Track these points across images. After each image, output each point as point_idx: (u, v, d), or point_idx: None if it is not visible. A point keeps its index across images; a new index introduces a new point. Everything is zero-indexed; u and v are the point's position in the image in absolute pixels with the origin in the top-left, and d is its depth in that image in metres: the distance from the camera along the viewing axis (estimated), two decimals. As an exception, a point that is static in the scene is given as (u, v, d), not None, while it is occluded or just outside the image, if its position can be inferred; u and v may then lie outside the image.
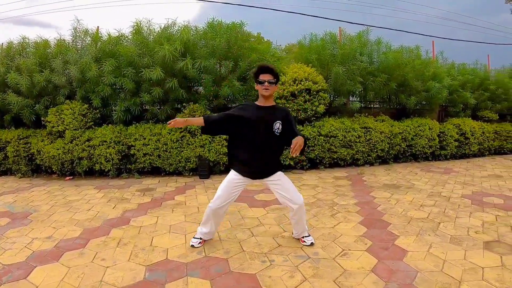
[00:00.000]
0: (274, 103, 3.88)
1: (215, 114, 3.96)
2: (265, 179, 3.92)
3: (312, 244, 4.10)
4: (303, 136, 3.58)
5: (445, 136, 11.14)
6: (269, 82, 3.63)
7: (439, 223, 4.88)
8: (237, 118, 3.75)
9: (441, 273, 3.35)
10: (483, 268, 3.46)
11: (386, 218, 5.12)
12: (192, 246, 4.13)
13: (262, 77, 3.64)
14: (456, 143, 11.40)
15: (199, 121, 3.73)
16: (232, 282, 3.28)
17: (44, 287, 3.28)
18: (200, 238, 4.19)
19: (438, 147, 11.08)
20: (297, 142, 3.39)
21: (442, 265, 3.52)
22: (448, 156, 11.36)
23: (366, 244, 4.13)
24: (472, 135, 11.73)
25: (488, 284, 3.13)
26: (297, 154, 3.42)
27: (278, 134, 3.76)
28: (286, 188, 3.89)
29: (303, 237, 4.19)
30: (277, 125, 3.74)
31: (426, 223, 4.86)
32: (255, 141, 3.74)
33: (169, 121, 3.60)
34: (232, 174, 3.92)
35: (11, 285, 3.32)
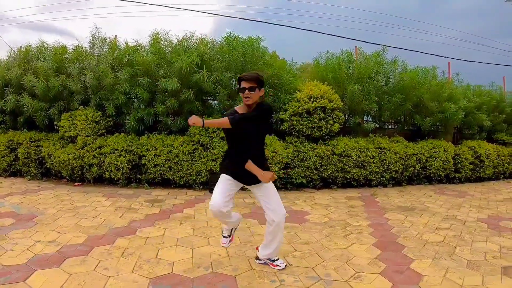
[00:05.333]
0: (255, 105, 3.68)
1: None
2: (254, 185, 3.78)
3: (285, 266, 3.89)
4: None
5: (460, 159, 10.98)
6: (249, 89, 3.50)
7: (455, 247, 4.75)
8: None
9: None
10: None
11: (401, 241, 4.99)
12: (223, 246, 4.14)
13: (243, 84, 3.54)
14: (471, 166, 11.21)
15: (221, 122, 3.53)
16: (239, 301, 3.16)
17: (42, 291, 3.20)
18: (229, 236, 4.11)
19: (453, 169, 10.90)
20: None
21: None
22: (463, 179, 11.17)
23: (380, 267, 4.01)
24: (487, 158, 11.55)
25: None
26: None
27: (261, 134, 3.78)
28: (270, 196, 3.73)
29: (273, 261, 3.92)
30: (261, 128, 3.69)
31: (441, 247, 4.74)
32: (242, 146, 3.63)
33: (189, 119, 3.38)
34: (223, 176, 3.76)
35: (9, 286, 3.29)
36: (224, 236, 4.12)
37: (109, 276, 3.60)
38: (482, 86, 13.64)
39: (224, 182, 3.72)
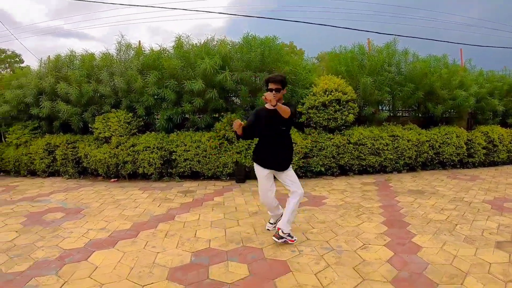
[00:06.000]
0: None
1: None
2: (280, 172, 4.63)
3: (283, 240, 4.45)
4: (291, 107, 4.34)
5: (473, 144, 11.13)
6: (276, 90, 4.31)
7: (456, 224, 5.13)
8: (255, 122, 4.54)
9: (450, 266, 3.65)
10: (490, 263, 3.70)
11: (407, 220, 5.43)
12: (268, 229, 5.05)
13: (270, 85, 4.34)
14: (484, 151, 11.34)
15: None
16: (266, 266, 3.82)
17: (104, 266, 3.87)
18: (274, 223, 5.04)
19: (466, 154, 11.07)
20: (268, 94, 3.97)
21: (452, 260, 3.82)
22: (476, 164, 11.31)
23: (385, 240, 4.54)
24: (500, 143, 11.65)
25: (493, 277, 3.38)
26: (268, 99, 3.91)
27: (284, 129, 4.52)
28: (294, 178, 4.61)
29: (292, 237, 4.53)
30: (285, 122, 4.45)
31: (443, 225, 5.13)
32: (269, 138, 4.53)
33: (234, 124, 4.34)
34: (258, 167, 4.67)
35: (74, 265, 3.90)
36: (270, 223, 5.12)
37: (158, 252, 4.29)
38: (495, 71, 13.56)
39: (260, 178, 4.65)
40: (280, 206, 4.90)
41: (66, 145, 10.21)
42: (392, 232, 4.86)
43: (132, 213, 6.16)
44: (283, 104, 4.37)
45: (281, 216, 4.81)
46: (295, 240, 4.51)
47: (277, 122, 4.41)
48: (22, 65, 32.67)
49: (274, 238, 4.45)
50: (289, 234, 4.48)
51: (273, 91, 4.29)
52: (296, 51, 32.75)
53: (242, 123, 4.36)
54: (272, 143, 4.52)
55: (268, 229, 5.03)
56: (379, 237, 4.67)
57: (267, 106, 4.55)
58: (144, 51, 10.48)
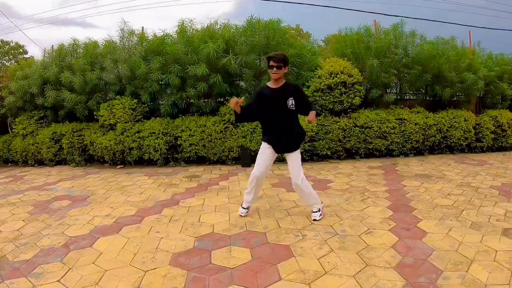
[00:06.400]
0: (284, 82, 4.55)
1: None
2: (287, 154, 4.64)
3: (314, 220, 4.70)
4: (315, 109, 4.41)
5: (481, 128, 10.96)
6: (277, 67, 4.34)
7: (463, 210, 5.01)
8: (256, 101, 4.59)
9: (455, 253, 3.57)
10: (496, 251, 3.59)
11: (413, 204, 5.34)
12: (240, 215, 4.94)
13: (271, 63, 4.35)
14: (493, 135, 11.17)
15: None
16: (269, 250, 3.79)
17: (108, 252, 3.88)
18: (247, 208, 5.00)
19: (474, 139, 10.90)
20: (313, 113, 4.25)
21: (458, 246, 3.72)
22: (485, 148, 11.15)
23: (390, 225, 4.47)
24: (509, 127, 11.44)
25: (498, 265, 3.29)
26: (314, 122, 4.42)
27: (293, 108, 4.47)
28: (293, 164, 4.59)
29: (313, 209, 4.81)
30: (291, 101, 4.44)
31: (449, 210, 5.02)
32: (274, 117, 4.52)
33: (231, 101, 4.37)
34: (263, 144, 4.69)
35: (78, 251, 3.92)
36: (243, 207, 5.03)
37: (161, 237, 4.28)
38: (505, 54, 13.19)
39: (264, 152, 4.66)
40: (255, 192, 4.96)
41: (72, 133, 10.22)
42: (397, 217, 4.79)
43: (137, 199, 6.17)
44: (288, 84, 4.56)
45: (251, 201, 5.01)
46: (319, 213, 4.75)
47: (282, 102, 4.44)
48: (26, 56, 32.64)
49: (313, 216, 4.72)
50: (319, 209, 4.77)
51: (274, 68, 4.33)
52: (303, 34, 32.54)
53: (240, 100, 4.35)
54: (276, 123, 4.53)
55: (240, 215, 4.99)
56: (384, 222, 4.61)
57: (270, 84, 4.57)
58: (148, 37, 10.39)
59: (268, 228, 4.48)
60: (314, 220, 4.65)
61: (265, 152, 4.64)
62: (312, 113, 4.23)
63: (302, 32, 35.12)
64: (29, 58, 20.59)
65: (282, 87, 4.50)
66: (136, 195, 6.44)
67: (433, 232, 4.17)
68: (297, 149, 4.63)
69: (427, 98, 11.95)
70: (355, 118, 9.55)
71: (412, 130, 9.86)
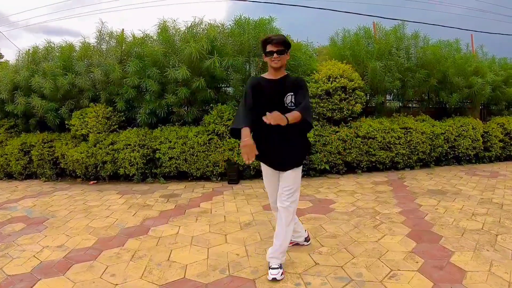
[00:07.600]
0: (285, 73, 3.48)
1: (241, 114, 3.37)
2: (284, 172, 3.42)
3: (274, 279, 3.27)
4: (304, 116, 3.12)
5: (489, 136, 10.46)
6: (278, 52, 3.26)
7: (496, 235, 4.30)
8: (253, 97, 3.37)
9: None
10: None
11: (436, 230, 4.55)
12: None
13: (270, 47, 3.29)
14: (501, 144, 10.70)
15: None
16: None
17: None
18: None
19: (482, 148, 10.36)
20: (276, 113, 2.87)
21: None
22: (493, 158, 10.65)
23: (417, 262, 3.58)
24: None
25: None
26: (269, 122, 2.84)
27: (293, 108, 3.29)
28: (283, 184, 3.40)
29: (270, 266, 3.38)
30: (289, 98, 3.35)
31: (481, 236, 4.29)
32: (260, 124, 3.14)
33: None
34: (261, 165, 3.63)
35: None
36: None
37: (116, 284, 3.36)
38: (507, 58, 12.76)
39: (266, 174, 3.62)
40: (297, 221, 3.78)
41: (42, 144, 9.37)
42: (422, 249, 3.88)
43: (100, 224, 5.32)
44: (289, 76, 3.47)
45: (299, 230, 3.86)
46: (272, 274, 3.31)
47: (279, 99, 3.36)
48: (1, 60, 31.82)
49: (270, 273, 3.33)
50: (280, 266, 3.36)
51: (275, 54, 3.25)
52: (293, 44, 32.17)
53: (252, 159, 3.05)
54: (270, 129, 3.13)
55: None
56: (408, 258, 3.67)
57: (267, 75, 3.46)
58: (126, 39, 9.55)
59: (258, 272, 3.46)
60: (274, 279, 3.26)
61: (267, 174, 3.59)
62: (275, 113, 2.85)
63: (293, 42, 34.82)
64: (3, 62, 19.64)
65: (282, 79, 3.41)
66: (101, 219, 5.60)
67: (472, 270, 3.34)
68: (299, 165, 3.48)
69: (431, 106, 11.38)
70: (357, 127, 8.72)
71: (418, 140, 9.12)
